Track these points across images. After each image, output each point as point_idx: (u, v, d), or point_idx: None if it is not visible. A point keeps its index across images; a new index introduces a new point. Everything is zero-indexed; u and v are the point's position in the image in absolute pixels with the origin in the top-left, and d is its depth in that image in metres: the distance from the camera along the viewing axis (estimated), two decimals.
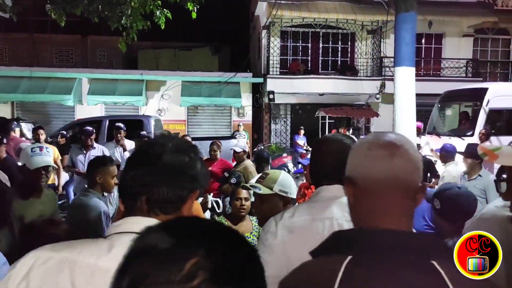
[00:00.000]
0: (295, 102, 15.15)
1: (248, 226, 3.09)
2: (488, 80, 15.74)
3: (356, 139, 1.50)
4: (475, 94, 9.99)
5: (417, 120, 6.56)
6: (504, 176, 1.43)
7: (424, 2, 12.23)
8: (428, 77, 14.76)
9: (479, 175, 4.57)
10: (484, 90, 9.76)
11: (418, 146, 8.72)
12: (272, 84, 14.10)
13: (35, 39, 17.36)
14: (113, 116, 11.25)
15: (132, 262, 0.59)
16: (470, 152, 4.68)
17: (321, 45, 15.48)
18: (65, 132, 7.77)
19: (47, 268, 0.94)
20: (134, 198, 1.06)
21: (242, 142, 11.78)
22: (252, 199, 2.69)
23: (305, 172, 4.11)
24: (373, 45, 15.18)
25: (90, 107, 13.39)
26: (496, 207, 1.58)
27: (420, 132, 8.66)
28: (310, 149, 11.82)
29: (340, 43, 15.61)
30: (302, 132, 13.08)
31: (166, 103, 14.53)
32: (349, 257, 0.86)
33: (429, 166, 6.35)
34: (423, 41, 15.43)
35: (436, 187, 2.30)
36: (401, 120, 5.75)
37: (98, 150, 6.10)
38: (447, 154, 5.68)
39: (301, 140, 12.91)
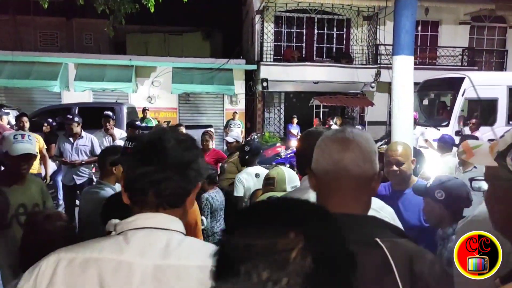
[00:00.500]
0: (289, 90, 14.86)
1: None
2: (484, 69, 15.62)
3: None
4: (452, 84, 9.90)
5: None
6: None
7: None
8: (424, 65, 14.53)
9: (474, 167, 4.45)
10: (461, 79, 9.66)
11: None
12: (265, 72, 13.76)
13: (17, 21, 16.63)
14: (83, 103, 10.92)
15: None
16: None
17: (316, 31, 15.12)
18: (50, 120, 7.39)
19: (73, 268, 0.98)
20: (142, 194, 1.09)
21: (236, 132, 11.55)
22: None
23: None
24: (369, 32, 14.87)
25: (78, 94, 12.92)
26: None
27: (415, 122, 8.52)
28: None
29: (335, 29, 15.27)
30: (296, 121, 12.82)
31: (156, 90, 14.11)
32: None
33: (419, 157, 6.21)
34: (419, 28, 15.16)
35: (430, 180, 2.30)
36: (399, 110, 5.59)
37: (86, 139, 5.81)
38: (444, 145, 5.62)
39: (295, 129, 12.67)
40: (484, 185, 1.33)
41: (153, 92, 14.11)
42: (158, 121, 12.25)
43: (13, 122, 7.62)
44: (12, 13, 16.21)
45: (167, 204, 1.09)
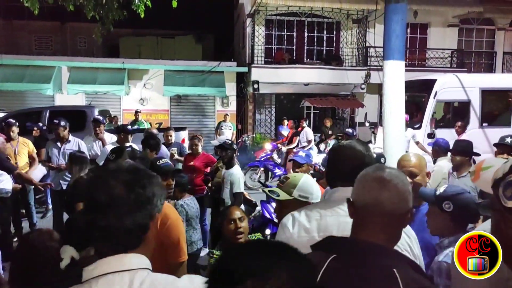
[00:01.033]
0: (280, 92, 15.00)
1: None
2: (473, 71, 15.81)
3: (368, 146, 1.83)
4: (424, 86, 9.92)
5: None
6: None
7: None
8: (413, 67, 14.72)
9: (469, 172, 4.45)
10: (433, 81, 9.70)
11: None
12: (256, 74, 13.91)
13: (13, 25, 16.77)
14: (54, 107, 10.66)
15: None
16: (458, 149, 4.60)
17: (306, 34, 15.29)
18: (40, 124, 7.51)
19: None
20: (97, 240, 1.09)
21: (228, 134, 11.70)
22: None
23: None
24: (359, 34, 15.06)
25: (70, 97, 13.05)
26: None
27: (406, 125, 8.60)
28: (310, 139, 11.76)
29: (325, 32, 15.45)
30: (286, 122, 12.96)
31: (148, 92, 14.24)
32: (334, 255, 1.21)
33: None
34: (408, 30, 15.33)
35: (441, 188, 2.18)
36: (390, 116, 5.63)
37: (74, 143, 5.92)
38: (439, 149, 5.57)
39: (285, 131, 12.78)
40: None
41: (145, 94, 14.25)
42: (150, 124, 12.39)
43: None
44: (7, 18, 16.35)
45: (126, 246, 1.09)
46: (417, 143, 8.76)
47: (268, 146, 11.12)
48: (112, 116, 11.79)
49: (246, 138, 12.63)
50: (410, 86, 10.49)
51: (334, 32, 15.46)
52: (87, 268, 1.08)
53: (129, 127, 6.73)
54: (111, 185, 1.09)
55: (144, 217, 1.10)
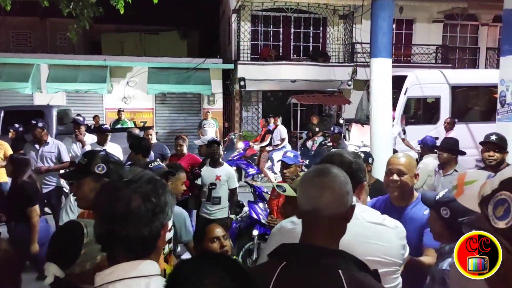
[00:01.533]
0: (267, 89, 14.84)
1: None
2: (457, 66, 15.89)
3: (360, 155, 1.93)
4: (396, 82, 9.90)
5: None
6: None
7: None
8: (399, 63, 14.71)
9: (455, 170, 4.44)
10: (403, 78, 9.70)
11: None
12: (243, 71, 13.71)
13: None
14: (9, 107, 10.10)
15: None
16: (446, 146, 4.60)
17: (292, 30, 15.13)
18: (17, 125, 7.19)
19: None
20: (113, 248, 1.15)
21: (211, 132, 11.48)
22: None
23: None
24: (345, 30, 14.96)
25: (50, 96, 12.64)
26: None
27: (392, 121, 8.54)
28: (284, 137, 11.63)
29: (312, 28, 15.31)
30: (272, 120, 12.79)
31: (132, 90, 13.90)
32: (284, 263, 1.27)
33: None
34: (394, 26, 15.30)
35: (441, 192, 2.08)
36: (377, 114, 5.55)
37: (53, 145, 5.68)
38: (426, 147, 5.59)
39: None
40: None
41: (129, 92, 13.90)
42: (134, 123, 12.09)
43: None
44: None
45: (139, 255, 1.15)
46: (403, 140, 8.73)
47: (240, 145, 10.97)
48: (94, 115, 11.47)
49: (233, 136, 12.42)
50: None
51: (321, 28, 15.34)
52: (103, 272, 1.14)
53: (106, 126, 6.45)
54: (131, 197, 1.14)
55: (158, 226, 1.17)
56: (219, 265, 0.97)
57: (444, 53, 15.65)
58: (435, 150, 5.40)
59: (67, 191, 5.74)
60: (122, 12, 6.26)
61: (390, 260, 1.59)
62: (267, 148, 10.61)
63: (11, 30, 17.44)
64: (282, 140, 10.53)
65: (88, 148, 5.76)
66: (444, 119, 8.58)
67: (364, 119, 10.58)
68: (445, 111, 9.67)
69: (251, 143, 10.94)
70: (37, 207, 3.97)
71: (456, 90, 9.88)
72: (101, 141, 5.70)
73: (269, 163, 10.19)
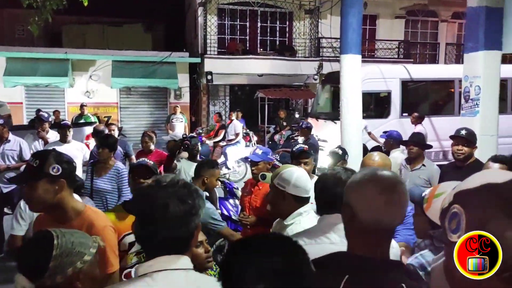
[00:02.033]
0: (234, 83, 14.80)
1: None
2: (418, 61, 16.41)
3: (354, 171, 1.80)
4: None
5: None
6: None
7: None
8: (363, 58, 14.99)
9: (423, 165, 4.49)
10: None
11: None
12: (210, 65, 13.61)
13: None
14: None
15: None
16: (415, 141, 4.63)
17: (259, 24, 15.13)
18: None
19: None
20: (152, 249, 1.27)
21: (179, 127, 11.34)
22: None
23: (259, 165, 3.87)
24: (311, 25, 15.12)
25: (8, 90, 12.08)
26: None
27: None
28: (250, 132, 11.65)
29: (278, 22, 15.38)
30: (240, 114, 12.79)
31: (95, 84, 13.51)
32: (347, 276, 1.15)
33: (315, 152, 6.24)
34: None
35: (428, 190, 2.14)
36: (347, 109, 5.62)
37: (14, 143, 5.45)
38: (393, 141, 5.63)
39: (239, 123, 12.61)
40: None
41: (92, 86, 13.51)
42: (98, 117, 11.77)
43: None
44: None
45: (177, 249, 1.27)
46: (369, 133, 8.90)
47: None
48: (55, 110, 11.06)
49: (201, 131, 12.33)
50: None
51: (287, 23, 15.42)
52: (144, 264, 1.25)
53: (66, 122, 6.23)
54: (169, 201, 1.24)
55: (193, 226, 1.28)
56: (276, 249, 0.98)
57: (406, 48, 16.11)
58: (401, 145, 5.56)
59: None
60: (86, 3, 6.05)
61: None
62: (221, 143, 10.59)
63: None
64: (237, 135, 10.49)
65: (51, 145, 5.57)
66: (412, 114, 8.73)
67: (318, 114, 10.70)
68: (395, 105, 9.78)
69: (204, 138, 10.86)
70: None
71: (406, 85, 10.01)
72: (62, 138, 5.53)
73: (222, 158, 10.11)
